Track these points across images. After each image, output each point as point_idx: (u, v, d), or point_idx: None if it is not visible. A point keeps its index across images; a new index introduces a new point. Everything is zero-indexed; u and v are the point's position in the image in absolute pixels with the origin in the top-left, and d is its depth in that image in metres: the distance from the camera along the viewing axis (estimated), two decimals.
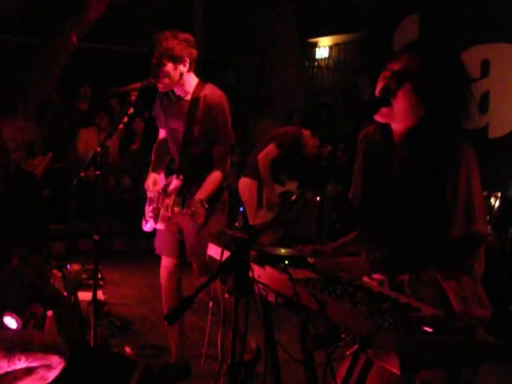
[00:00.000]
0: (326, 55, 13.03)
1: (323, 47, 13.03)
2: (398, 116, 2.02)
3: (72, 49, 8.15)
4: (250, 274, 1.92)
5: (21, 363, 2.73)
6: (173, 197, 3.25)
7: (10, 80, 8.30)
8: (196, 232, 3.37)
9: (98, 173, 3.24)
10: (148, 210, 3.54)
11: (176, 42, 3.25)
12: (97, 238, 3.12)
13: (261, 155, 5.39)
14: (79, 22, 8.09)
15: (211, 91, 3.39)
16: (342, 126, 9.06)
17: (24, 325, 3.37)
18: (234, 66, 11.39)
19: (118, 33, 9.78)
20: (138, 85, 3.25)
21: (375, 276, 2.09)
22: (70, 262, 5.39)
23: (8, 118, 7.40)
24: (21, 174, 4.17)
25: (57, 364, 2.76)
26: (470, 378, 1.93)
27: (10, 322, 3.33)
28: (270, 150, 5.34)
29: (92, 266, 3.65)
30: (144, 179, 3.59)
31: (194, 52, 3.33)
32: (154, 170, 3.54)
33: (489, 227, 4.38)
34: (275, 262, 2.07)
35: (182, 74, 3.32)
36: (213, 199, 3.40)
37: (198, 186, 3.34)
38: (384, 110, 2.00)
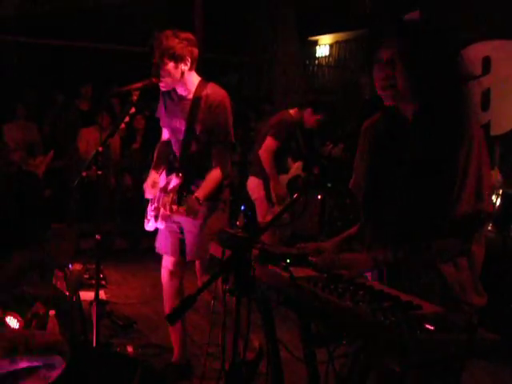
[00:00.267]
0: (327, 53, 13.01)
1: (324, 45, 13.00)
2: (403, 97, 2.06)
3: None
4: (252, 273, 1.92)
5: (23, 363, 2.73)
6: (171, 195, 3.26)
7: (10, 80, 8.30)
8: (197, 231, 3.37)
9: (99, 172, 3.24)
10: (150, 209, 3.54)
11: (177, 40, 3.25)
12: (98, 237, 3.12)
13: (261, 151, 5.40)
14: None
15: (213, 90, 3.39)
16: (344, 124, 9.05)
17: (26, 325, 3.38)
18: (235, 66, 11.38)
19: (118, 33, 9.78)
20: (139, 84, 3.25)
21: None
22: (71, 262, 5.41)
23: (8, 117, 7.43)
24: (22, 174, 4.17)
25: (59, 364, 2.77)
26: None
27: (12, 321, 3.34)
28: (268, 143, 5.35)
29: (94, 266, 3.65)
30: (145, 178, 3.59)
31: (195, 51, 3.33)
32: (155, 170, 3.54)
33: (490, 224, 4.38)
34: (276, 260, 2.07)
35: (183, 73, 3.32)
36: (213, 198, 3.41)
37: (198, 185, 3.35)
38: (390, 91, 2.05)
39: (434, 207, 1.98)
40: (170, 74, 3.28)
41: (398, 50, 2.02)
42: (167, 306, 3.66)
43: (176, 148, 3.53)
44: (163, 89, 3.41)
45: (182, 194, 3.21)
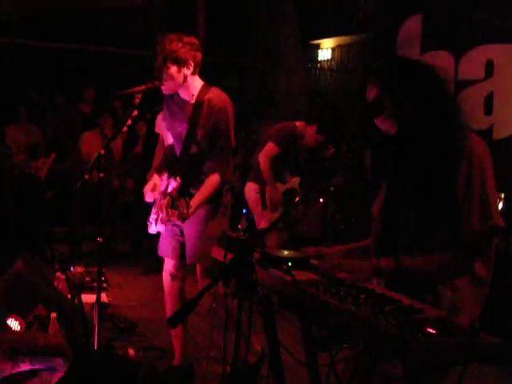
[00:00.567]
0: (329, 57, 13.01)
1: (326, 49, 13.01)
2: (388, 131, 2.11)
3: None
4: (253, 277, 1.92)
5: (25, 365, 2.74)
6: (167, 198, 3.26)
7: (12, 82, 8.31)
8: (198, 234, 3.37)
9: (101, 175, 3.24)
10: (152, 212, 3.54)
11: (180, 44, 3.25)
12: (100, 240, 3.12)
13: (261, 155, 5.39)
14: None
15: (216, 95, 3.39)
16: (346, 127, 9.05)
17: (28, 327, 3.38)
18: (236, 69, 11.39)
19: (118, 35, 9.79)
20: (141, 87, 3.25)
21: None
22: (73, 265, 5.41)
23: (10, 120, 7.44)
24: (24, 176, 4.18)
25: (60, 366, 2.77)
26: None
27: (14, 324, 3.34)
28: (269, 148, 5.34)
29: (95, 269, 3.65)
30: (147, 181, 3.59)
31: (199, 55, 3.33)
32: (158, 173, 3.54)
33: None
34: (278, 264, 2.07)
35: (185, 77, 3.32)
36: (215, 202, 3.41)
37: (197, 189, 3.36)
38: (378, 120, 2.11)
39: (440, 228, 1.98)
40: (172, 78, 3.29)
41: (380, 98, 2.06)
42: (168, 308, 3.67)
43: (178, 151, 3.53)
44: (165, 92, 3.41)
45: (174, 198, 3.22)
